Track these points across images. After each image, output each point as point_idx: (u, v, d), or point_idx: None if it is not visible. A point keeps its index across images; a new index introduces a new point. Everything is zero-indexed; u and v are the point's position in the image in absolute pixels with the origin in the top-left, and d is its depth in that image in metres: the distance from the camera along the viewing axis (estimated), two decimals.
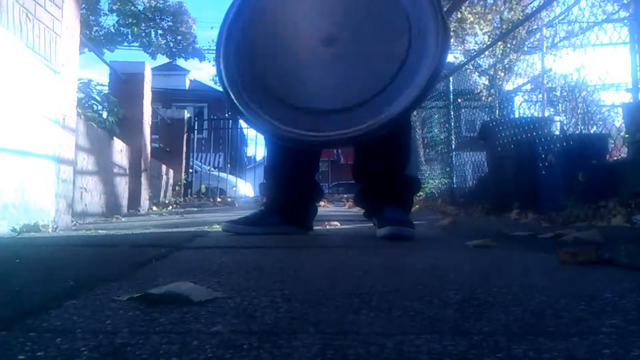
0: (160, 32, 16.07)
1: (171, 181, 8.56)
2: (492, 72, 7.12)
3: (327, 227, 2.80)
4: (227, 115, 11.49)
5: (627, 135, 3.69)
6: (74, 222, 3.29)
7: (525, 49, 7.20)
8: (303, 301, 0.86)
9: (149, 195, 6.13)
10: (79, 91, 3.63)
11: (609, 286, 0.99)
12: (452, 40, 11.96)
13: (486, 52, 7.29)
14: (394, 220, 2.03)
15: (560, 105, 5.32)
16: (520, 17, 7.73)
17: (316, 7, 1.90)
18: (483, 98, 6.39)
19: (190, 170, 9.92)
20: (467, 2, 9.79)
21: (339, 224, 2.92)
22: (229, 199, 8.44)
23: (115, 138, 4.76)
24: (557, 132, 4.32)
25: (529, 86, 6.98)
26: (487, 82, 7.00)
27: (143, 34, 15.79)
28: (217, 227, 2.53)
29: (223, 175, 11.49)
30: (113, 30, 15.61)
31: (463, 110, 7.00)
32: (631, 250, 1.37)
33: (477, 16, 10.30)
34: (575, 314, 0.77)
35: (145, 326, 0.71)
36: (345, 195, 9.00)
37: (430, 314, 0.77)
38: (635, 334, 0.68)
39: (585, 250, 1.32)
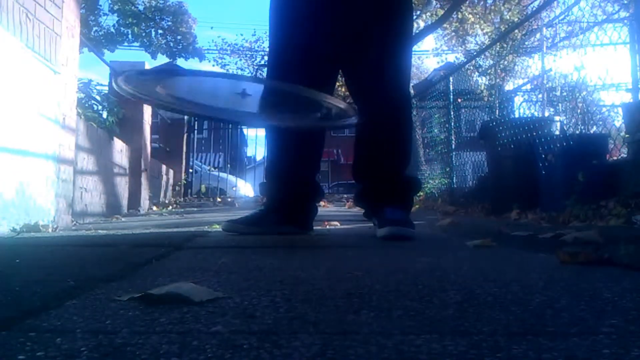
0: (160, 32, 16.06)
1: (171, 181, 8.56)
2: (491, 72, 7.12)
3: (327, 227, 2.80)
4: None
5: (627, 135, 3.68)
6: (74, 222, 3.29)
7: (521, 51, 7.21)
8: (303, 301, 0.86)
9: (149, 195, 6.13)
10: (79, 91, 3.63)
11: (609, 286, 0.99)
12: (453, 40, 11.98)
13: (486, 53, 7.30)
14: (394, 220, 2.03)
15: (560, 105, 5.31)
16: (518, 19, 7.74)
17: None
18: (485, 98, 6.39)
19: (190, 170, 9.93)
20: (468, 2, 9.79)
21: (339, 224, 2.92)
22: (229, 199, 8.44)
23: (115, 138, 4.75)
24: (557, 132, 4.32)
25: (528, 86, 6.98)
26: (487, 82, 7.00)
27: (143, 34, 15.77)
28: (217, 227, 2.53)
29: (223, 175, 11.49)
30: (113, 30, 15.59)
31: (463, 110, 7.00)
32: (631, 250, 1.37)
33: (477, 16, 10.31)
34: (575, 314, 0.77)
35: (145, 326, 0.71)
36: (345, 195, 9.01)
37: (430, 314, 0.77)
38: (635, 334, 0.68)
39: (585, 250, 1.32)
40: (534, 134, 4.17)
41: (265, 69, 3.52)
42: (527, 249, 1.73)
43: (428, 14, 11.27)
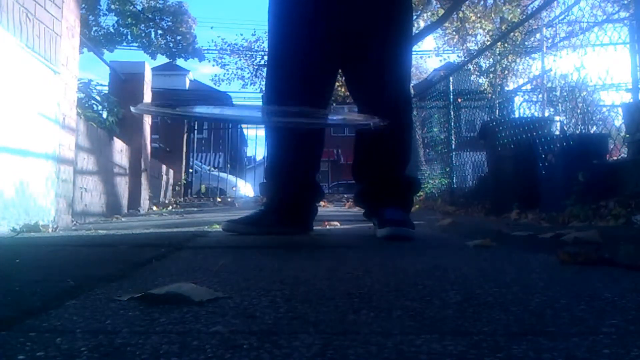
0: (160, 32, 16.06)
1: (171, 181, 8.56)
2: (492, 72, 7.13)
3: (327, 227, 2.80)
4: None
5: (627, 135, 3.68)
6: (74, 222, 3.29)
7: (521, 51, 7.21)
8: (303, 301, 0.86)
9: (149, 195, 6.13)
10: (79, 91, 3.63)
11: (609, 286, 0.99)
12: (453, 39, 11.98)
13: (487, 53, 7.29)
14: (394, 220, 2.03)
15: (560, 105, 5.31)
16: (519, 19, 7.73)
17: None
18: (489, 95, 6.39)
19: (190, 170, 9.94)
20: (468, 2, 9.79)
21: (339, 224, 2.92)
22: (229, 199, 8.44)
23: (115, 138, 4.75)
24: (557, 132, 4.32)
25: (528, 86, 6.98)
26: (487, 82, 7.01)
27: (143, 34, 15.77)
28: (217, 227, 2.53)
29: (223, 175, 11.50)
30: (112, 30, 15.59)
31: (463, 110, 7.00)
32: (631, 250, 1.37)
33: (478, 15, 10.32)
34: (575, 314, 0.77)
35: (145, 326, 0.71)
36: (345, 195, 9.01)
37: (430, 314, 0.77)
38: (635, 334, 0.68)
39: (585, 250, 1.32)
40: (534, 134, 4.18)
41: (265, 69, 3.52)
42: (527, 249, 1.73)
43: (428, 13, 11.28)
